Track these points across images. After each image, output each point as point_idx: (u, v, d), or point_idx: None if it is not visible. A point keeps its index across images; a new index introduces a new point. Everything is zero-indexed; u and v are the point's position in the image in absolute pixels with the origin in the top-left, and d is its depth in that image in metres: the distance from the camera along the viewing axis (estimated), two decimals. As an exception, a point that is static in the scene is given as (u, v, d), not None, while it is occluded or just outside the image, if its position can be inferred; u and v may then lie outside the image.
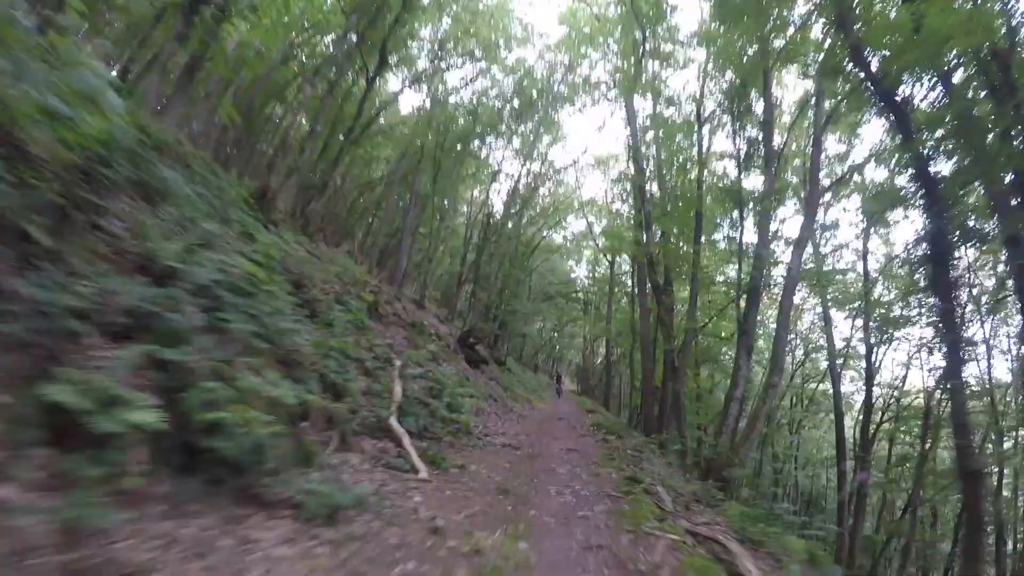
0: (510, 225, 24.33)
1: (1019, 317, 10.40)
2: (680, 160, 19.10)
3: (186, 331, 3.05)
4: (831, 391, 20.07)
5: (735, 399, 11.76)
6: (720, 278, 19.89)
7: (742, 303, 13.71)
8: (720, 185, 16.73)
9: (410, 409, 6.34)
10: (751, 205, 14.26)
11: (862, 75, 7.28)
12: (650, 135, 19.83)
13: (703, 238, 17.42)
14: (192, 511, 2.68)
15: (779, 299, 14.26)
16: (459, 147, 24.49)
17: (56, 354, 2.57)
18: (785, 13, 12.10)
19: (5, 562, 1.90)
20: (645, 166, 17.56)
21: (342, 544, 2.88)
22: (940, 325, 6.68)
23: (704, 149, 17.55)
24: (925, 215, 6.39)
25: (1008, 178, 6.77)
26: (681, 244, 17.89)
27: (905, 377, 20.25)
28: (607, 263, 31.67)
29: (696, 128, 17.47)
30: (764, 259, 12.58)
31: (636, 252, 17.22)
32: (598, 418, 15.37)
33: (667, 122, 18.81)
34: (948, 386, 7.15)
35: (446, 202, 26.71)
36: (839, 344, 20.89)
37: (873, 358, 19.35)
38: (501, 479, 5.15)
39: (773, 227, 15.50)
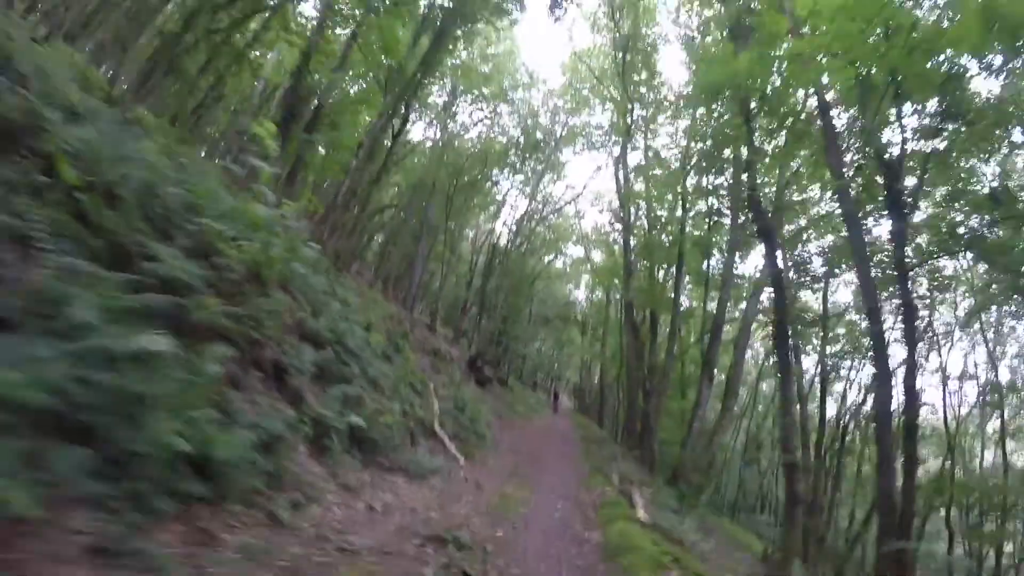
0: (513, 257, 27.27)
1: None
2: (666, 206, 22.14)
3: (352, 376, 5.86)
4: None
5: (698, 418, 14.53)
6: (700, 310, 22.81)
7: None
8: (693, 237, 19.66)
9: (445, 419, 9.10)
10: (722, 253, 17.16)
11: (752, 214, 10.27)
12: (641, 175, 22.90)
13: (687, 276, 20.40)
14: (362, 468, 5.44)
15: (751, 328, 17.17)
16: (466, 179, 27.43)
17: (302, 392, 5.37)
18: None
19: (315, 481, 4.64)
20: (632, 216, 20.44)
21: (433, 488, 5.63)
22: (781, 378, 9.57)
23: (688, 198, 20.48)
24: (775, 306, 9.31)
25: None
26: (668, 279, 20.83)
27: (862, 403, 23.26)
28: (603, 288, 34.57)
29: (681, 179, 20.42)
30: (725, 303, 15.38)
31: (624, 294, 20.13)
32: (588, 432, 18.10)
33: (655, 168, 21.86)
34: (779, 413, 10.06)
35: (454, 230, 29.60)
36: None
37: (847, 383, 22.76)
38: (511, 467, 7.90)
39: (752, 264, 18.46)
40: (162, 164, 5.47)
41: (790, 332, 9.49)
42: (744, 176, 12.37)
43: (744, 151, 11.86)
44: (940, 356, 21.24)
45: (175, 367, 3.27)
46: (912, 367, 9.64)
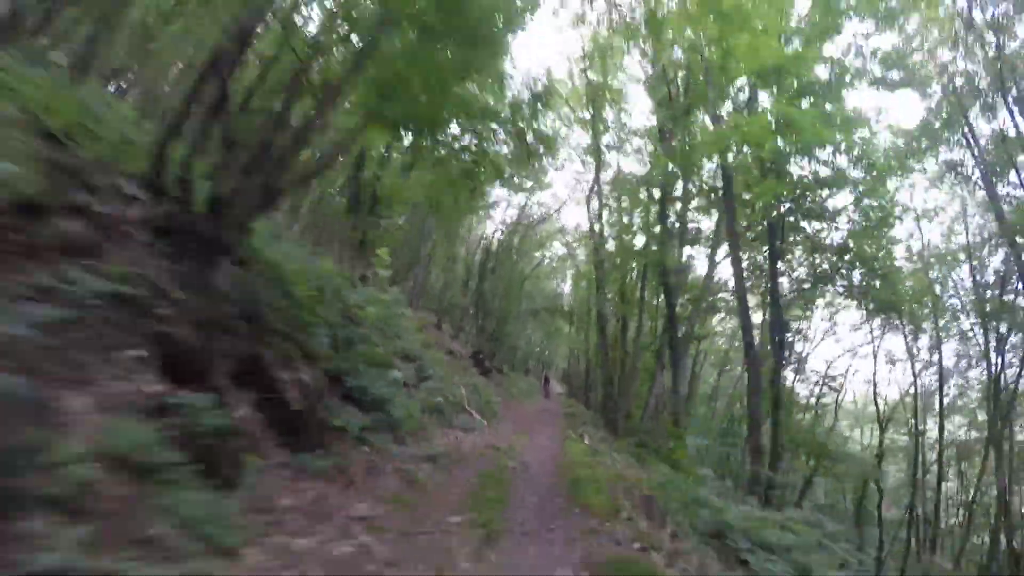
0: (505, 263, 32.86)
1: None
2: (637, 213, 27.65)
3: (430, 376, 11.46)
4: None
5: (653, 396, 20.35)
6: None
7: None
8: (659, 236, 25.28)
9: (470, 400, 14.74)
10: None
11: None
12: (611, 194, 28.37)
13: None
14: (441, 425, 11.04)
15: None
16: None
17: (410, 387, 10.99)
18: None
19: (430, 428, 10.27)
20: (604, 238, 25.92)
21: (476, 436, 11.27)
22: (672, 364, 15.42)
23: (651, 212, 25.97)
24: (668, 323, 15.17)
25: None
26: (638, 280, 26.46)
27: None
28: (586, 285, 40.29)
29: (646, 199, 25.88)
30: (674, 306, 21.11)
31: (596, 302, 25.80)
32: (572, 410, 23.94)
33: (627, 183, 27.30)
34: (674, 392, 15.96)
35: (451, 236, 35.02)
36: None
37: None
38: (515, 429, 13.59)
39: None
40: (328, 271, 11.01)
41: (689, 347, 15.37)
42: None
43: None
44: (873, 344, 27.51)
45: (395, 381, 8.85)
46: (779, 363, 15.49)
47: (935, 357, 26.48)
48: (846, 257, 15.42)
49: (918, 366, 25.68)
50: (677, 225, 21.22)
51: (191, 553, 2.75)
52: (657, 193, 19.45)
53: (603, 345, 22.98)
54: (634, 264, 26.18)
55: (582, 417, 21.68)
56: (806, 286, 17.16)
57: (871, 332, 27.08)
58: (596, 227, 24.55)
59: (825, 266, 16.37)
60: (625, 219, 27.72)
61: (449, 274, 36.74)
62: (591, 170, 27.70)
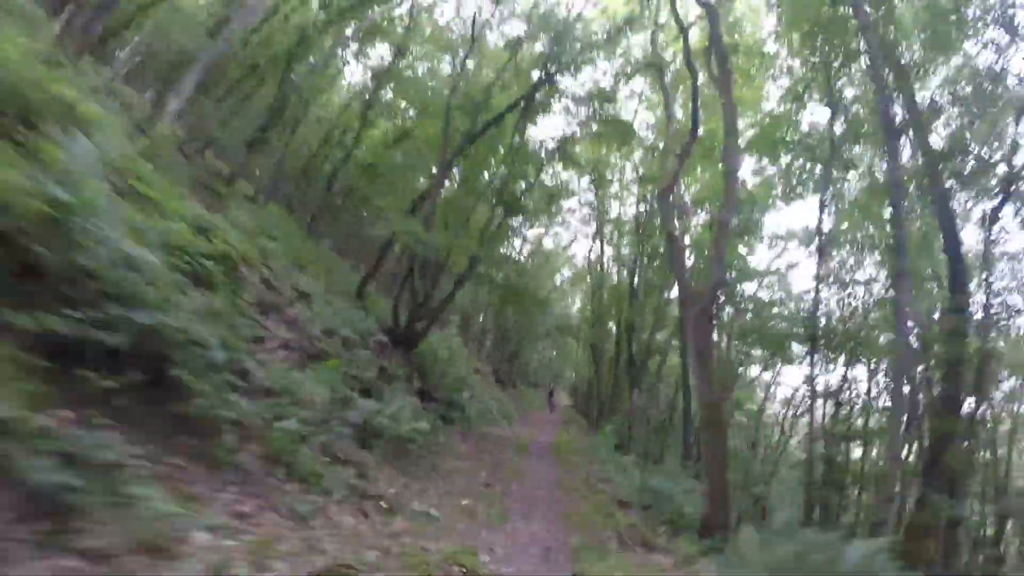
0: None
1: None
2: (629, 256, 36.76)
3: (477, 395, 20.74)
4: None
5: (628, 411, 29.53)
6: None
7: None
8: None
9: (497, 408, 23.99)
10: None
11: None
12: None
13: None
14: (488, 425, 20.31)
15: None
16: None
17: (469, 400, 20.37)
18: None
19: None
20: (606, 275, 35.10)
21: (504, 431, 20.52)
22: (632, 387, 24.54)
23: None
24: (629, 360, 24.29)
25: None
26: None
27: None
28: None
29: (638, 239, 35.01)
30: (651, 338, 30.15)
31: (591, 337, 34.95)
32: (570, 417, 33.24)
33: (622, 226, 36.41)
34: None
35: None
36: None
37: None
38: (527, 429, 22.82)
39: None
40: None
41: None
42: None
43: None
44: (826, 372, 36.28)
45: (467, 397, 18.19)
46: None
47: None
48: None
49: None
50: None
51: (449, 454, 12.12)
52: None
53: (598, 373, 32.26)
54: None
55: (575, 423, 31.01)
56: (736, 342, 26.25)
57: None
58: (598, 267, 33.64)
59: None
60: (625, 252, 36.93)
61: (473, 298, 46.07)
62: (595, 216, 36.99)
